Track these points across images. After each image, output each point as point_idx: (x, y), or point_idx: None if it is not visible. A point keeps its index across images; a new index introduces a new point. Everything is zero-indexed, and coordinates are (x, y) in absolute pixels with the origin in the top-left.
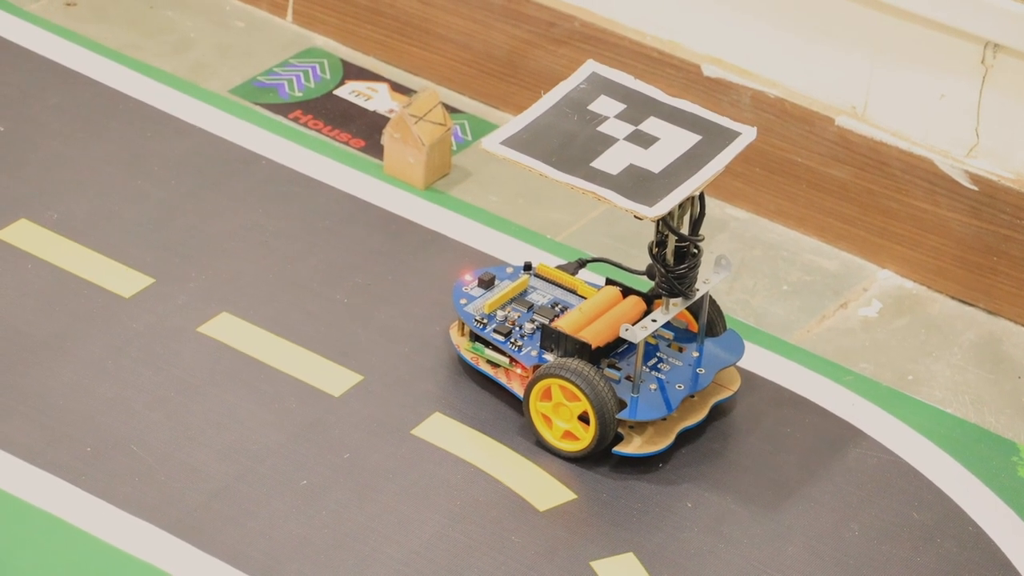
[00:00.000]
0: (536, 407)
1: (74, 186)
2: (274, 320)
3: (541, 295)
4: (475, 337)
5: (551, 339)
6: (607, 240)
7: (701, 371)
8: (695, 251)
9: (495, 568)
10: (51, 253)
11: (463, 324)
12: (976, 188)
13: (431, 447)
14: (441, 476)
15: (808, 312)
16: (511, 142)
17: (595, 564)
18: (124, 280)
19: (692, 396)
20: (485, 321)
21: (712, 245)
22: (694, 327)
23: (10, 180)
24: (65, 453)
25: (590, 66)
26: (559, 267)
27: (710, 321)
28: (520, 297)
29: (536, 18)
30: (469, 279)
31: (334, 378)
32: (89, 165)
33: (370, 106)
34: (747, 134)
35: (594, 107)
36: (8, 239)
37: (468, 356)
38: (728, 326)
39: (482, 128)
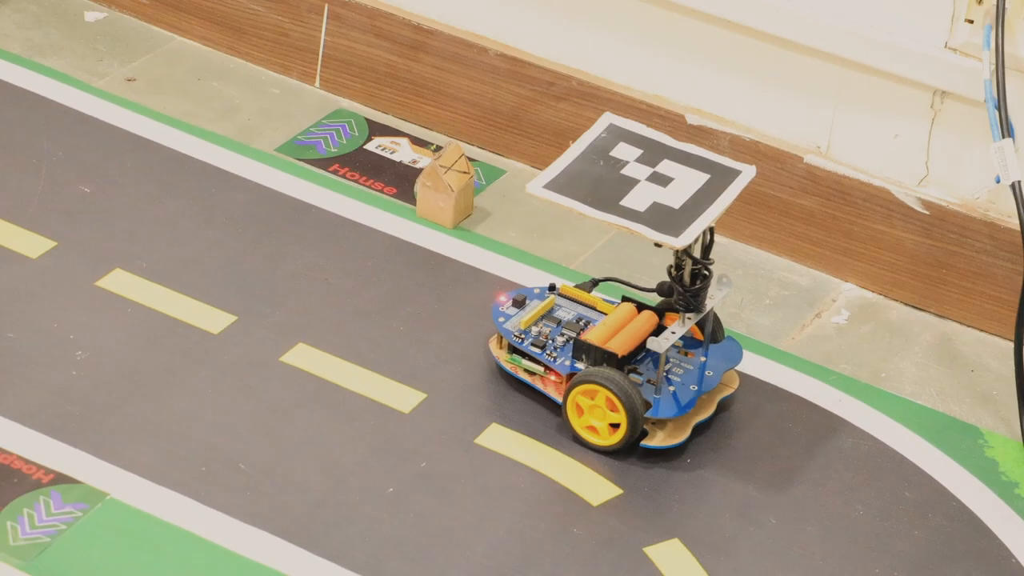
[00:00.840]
0: (575, 399)
1: (156, 237)
2: (344, 347)
3: (566, 312)
4: (512, 349)
5: (582, 350)
6: (611, 265)
7: (709, 373)
8: (706, 272)
9: (563, 557)
10: (145, 297)
11: (501, 337)
12: (927, 212)
13: (493, 454)
14: (506, 479)
15: (790, 322)
16: (551, 186)
17: (648, 550)
18: (211, 318)
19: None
20: (523, 336)
21: None
22: (698, 335)
23: (101, 234)
24: (183, 472)
25: (607, 118)
26: (577, 286)
27: (712, 330)
28: (549, 314)
29: (537, 79)
30: (504, 300)
31: (402, 396)
32: (167, 219)
33: (396, 157)
34: (747, 172)
35: (615, 153)
36: (107, 286)
37: (508, 366)
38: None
39: (493, 174)
